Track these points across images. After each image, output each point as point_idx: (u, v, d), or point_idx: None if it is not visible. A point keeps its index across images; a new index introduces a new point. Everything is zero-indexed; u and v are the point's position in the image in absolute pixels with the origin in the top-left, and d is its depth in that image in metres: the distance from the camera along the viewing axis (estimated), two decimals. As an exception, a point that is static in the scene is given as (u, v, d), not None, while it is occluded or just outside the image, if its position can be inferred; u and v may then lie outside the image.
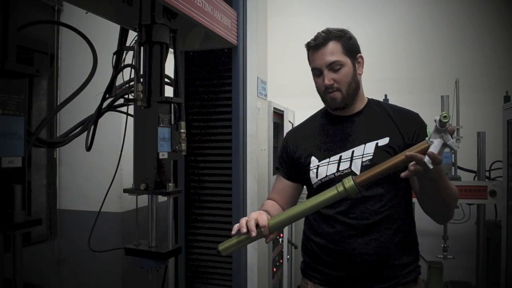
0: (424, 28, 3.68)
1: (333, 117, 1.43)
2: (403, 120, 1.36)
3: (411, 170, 1.05)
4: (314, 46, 1.34)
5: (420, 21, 3.70)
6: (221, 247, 1.19)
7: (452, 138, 1.04)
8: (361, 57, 1.39)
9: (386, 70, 3.53)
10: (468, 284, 3.26)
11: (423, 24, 3.69)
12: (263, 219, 1.17)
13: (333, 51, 1.32)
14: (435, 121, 1.02)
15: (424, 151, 1.03)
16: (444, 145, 1.02)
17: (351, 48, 1.35)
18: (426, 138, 1.04)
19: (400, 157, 1.08)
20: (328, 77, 1.32)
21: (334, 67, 1.32)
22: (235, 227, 1.19)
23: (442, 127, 1.01)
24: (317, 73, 1.36)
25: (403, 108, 1.43)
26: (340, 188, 1.10)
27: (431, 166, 1.02)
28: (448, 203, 1.27)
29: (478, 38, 3.55)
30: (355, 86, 1.36)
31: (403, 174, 1.07)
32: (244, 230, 1.15)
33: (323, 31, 1.36)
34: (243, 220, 1.18)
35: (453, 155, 3.05)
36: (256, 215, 1.18)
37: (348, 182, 1.09)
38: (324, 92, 1.36)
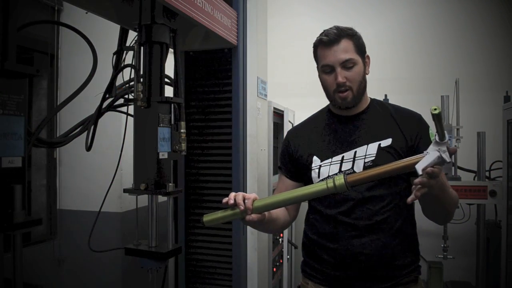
0: (424, 28, 3.68)
1: (335, 116, 1.43)
2: (406, 121, 1.35)
3: (417, 196, 1.04)
4: (327, 42, 1.30)
5: (420, 21, 3.70)
6: (205, 218, 1.20)
7: (450, 158, 1.03)
8: (368, 56, 1.37)
9: (386, 70, 3.53)
10: (468, 284, 3.26)
11: (423, 24, 3.69)
12: (250, 196, 1.17)
13: (346, 49, 1.30)
14: (433, 134, 1.01)
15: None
16: (439, 157, 1.01)
17: (361, 47, 1.34)
18: (425, 152, 1.04)
19: (396, 164, 1.07)
20: (342, 75, 1.29)
21: (347, 65, 1.29)
22: (224, 200, 1.19)
23: (441, 141, 1.01)
24: (327, 70, 1.32)
25: (406, 109, 1.42)
26: (330, 184, 1.10)
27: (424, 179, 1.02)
28: (448, 210, 1.30)
29: (478, 38, 3.55)
30: (364, 86, 1.36)
31: (409, 199, 1.06)
32: (232, 202, 1.15)
33: (332, 28, 1.32)
34: (232, 194, 1.18)
35: (453, 155, 3.05)
36: (244, 193, 1.19)
37: (339, 179, 1.09)
38: (334, 90, 1.32)
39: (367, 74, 1.38)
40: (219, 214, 1.20)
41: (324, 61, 1.32)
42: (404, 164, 1.06)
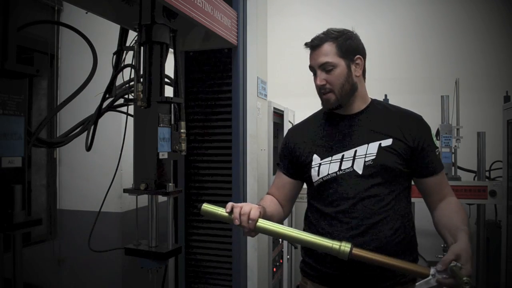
0: (424, 28, 3.68)
1: (336, 115, 1.43)
2: (407, 123, 1.36)
3: None
4: (311, 47, 1.38)
5: (420, 21, 3.70)
6: (204, 208, 1.22)
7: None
8: (360, 58, 1.37)
9: (386, 70, 3.53)
10: (468, 284, 3.25)
11: (423, 24, 3.69)
12: (255, 214, 1.18)
13: (326, 52, 1.34)
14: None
15: (422, 276, 1.09)
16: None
17: (347, 49, 1.34)
18: (432, 270, 1.08)
19: (404, 264, 1.13)
20: (320, 78, 1.35)
21: (326, 67, 1.34)
22: (229, 205, 1.20)
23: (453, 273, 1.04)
24: (313, 72, 1.39)
25: (407, 110, 1.43)
26: (335, 246, 1.14)
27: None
28: None
29: (478, 38, 3.55)
30: (349, 88, 1.36)
31: None
32: (237, 222, 1.18)
33: (323, 32, 1.37)
34: (237, 209, 1.19)
35: (453, 155, 3.05)
36: (249, 209, 1.19)
37: (345, 247, 1.13)
38: (318, 92, 1.39)
39: (358, 76, 1.37)
40: (219, 212, 1.21)
41: (309, 64, 1.39)
42: (409, 268, 1.13)
